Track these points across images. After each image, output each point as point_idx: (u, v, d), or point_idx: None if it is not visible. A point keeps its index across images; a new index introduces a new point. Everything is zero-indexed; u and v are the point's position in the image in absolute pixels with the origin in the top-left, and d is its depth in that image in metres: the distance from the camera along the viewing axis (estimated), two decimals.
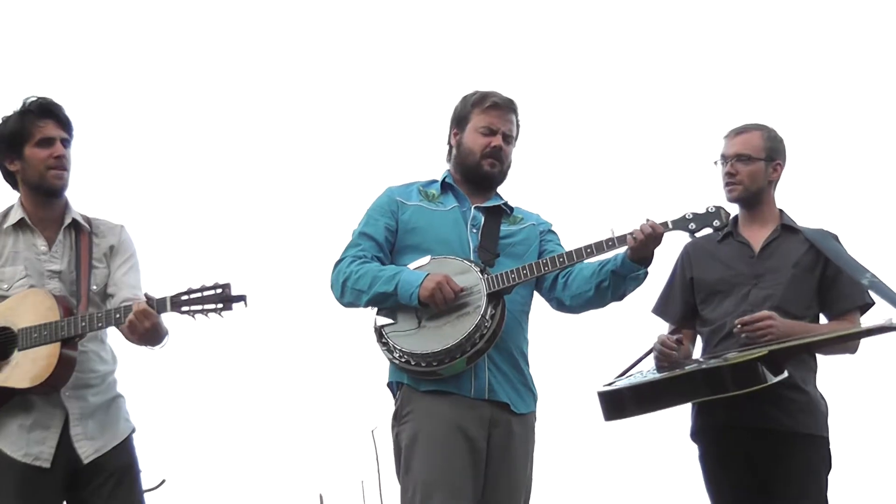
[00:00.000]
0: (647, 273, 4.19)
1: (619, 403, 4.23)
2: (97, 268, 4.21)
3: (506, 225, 4.41)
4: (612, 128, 7.29)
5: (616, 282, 4.19)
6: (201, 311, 3.94)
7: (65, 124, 4.19)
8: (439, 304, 4.09)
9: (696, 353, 4.49)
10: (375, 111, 7.23)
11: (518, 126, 4.45)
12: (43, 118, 4.14)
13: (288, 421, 6.87)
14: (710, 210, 4.12)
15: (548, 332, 4.54)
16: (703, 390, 4.09)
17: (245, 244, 6.63)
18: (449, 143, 4.51)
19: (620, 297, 4.26)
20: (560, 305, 4.37)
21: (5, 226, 4.19)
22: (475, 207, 4.39)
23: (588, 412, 4.39)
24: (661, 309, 4.60)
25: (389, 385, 4.34)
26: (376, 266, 4.25)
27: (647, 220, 4.10)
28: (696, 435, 4.42)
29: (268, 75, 7.31)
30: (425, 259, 4.23)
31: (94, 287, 4.17)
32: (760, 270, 4.39)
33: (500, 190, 4.51)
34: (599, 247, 4.14)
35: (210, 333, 4.16)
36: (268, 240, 6.65)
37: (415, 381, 4.20)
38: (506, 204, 4.46)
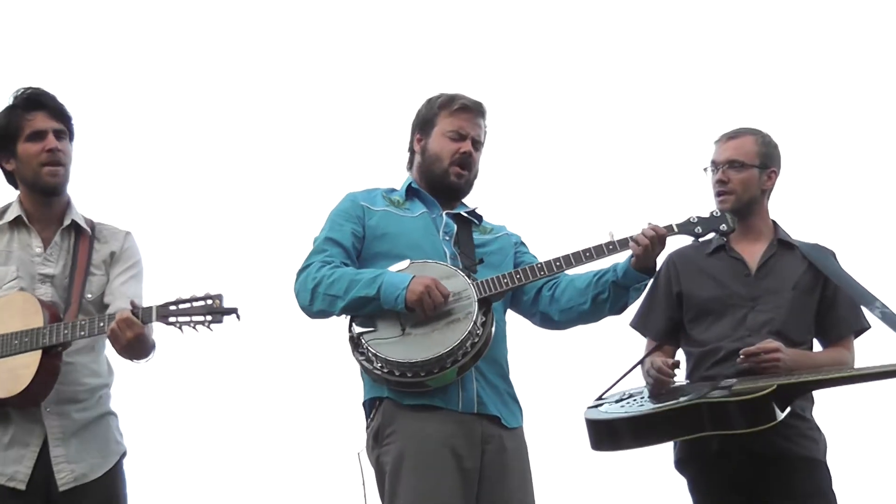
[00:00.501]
0: (646, 284, 4.03)
1: (611, 434, 4.04)
2: (94, 275, 4.00)
3: (477, 234, 4.20)
4: (593, 128, 7.11)
5: (617, 293, 4.00)
6: (189, 323, 3.77)
7: (58, 114, 3.98)
8: (428, 309, 3.83)
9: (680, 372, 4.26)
10: (362, 113, 7.06)
11: (486, 131, 4.23)
12: (31, 110, 3.95)
13: (267, 442, 6.68)
14: (715, 214, 4.02)
15: (520, 343, 4.31)
16: (707, 425, 3.89)
17: (246, 255, 6.53)
18: (411, 149, 4.27)
19: (620, 311, 4.08)
20: (545, 321, 4.16)
21: (1, 223, 4.00)
22: (447, 213, 4.17)
23: (569, 431, 4.26)
24: (640, 323, 4.38)
25: (365, 404, 4.04)
26: (351, 269, 3.99)
27: (650, 224, 3.93)
28: (684, 464, 4.21)
29: (265, 84, 7.22)
30: (404, 263, 3.96)
31: (89, 295, 3.96)
32: (758, 291, 4.20)
33: (465, 199, 4.30)
34: (599, 250, 3.95)
35: (197, 347, 3.98)
36: (268, 250, 6.48)
37: (397, 394, 3.90)
38: (474, 212, 4.25)
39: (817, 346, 4.25)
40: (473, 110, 4.17)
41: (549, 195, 6.72)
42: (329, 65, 7.06)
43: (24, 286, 3.92)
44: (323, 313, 3.98)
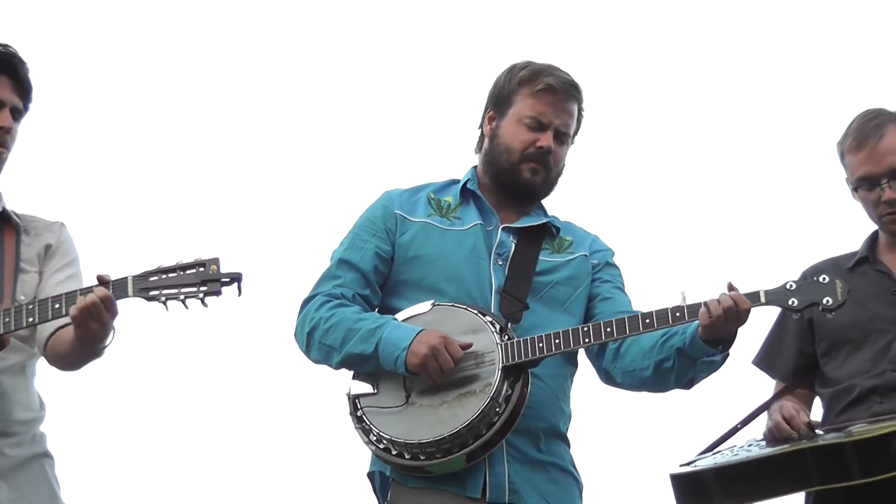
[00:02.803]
0: (726, 357, 3.43)
1: (699, 491, 3.57)
2: (27, 272, 3.47)
3: (547, 253, 3.59)
4: (699, 134, 6.35)
5: (683, 364, 3.42)
6: (177, 297, 3.15)
7: (23, 90, 3.48)
8: (434, 375, 3.30)
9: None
10: (379, 98, 6.60)
11: (580, 120, 3.63)
12: None
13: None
14: (821, 281, 3.37)
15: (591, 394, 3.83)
16: (814, 476, 3.42)
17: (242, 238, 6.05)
18: (481, 128, 3.67)
19: (688, 385, 3.50)
20: (609, 380, 3.59)
21: None
22: (504, 228, 3.56)
23: None
24: (765, 360, 3.86)
25: (370, 476, 3.54)
26: (353, 313, 3.44)
27: (730, 289, 3.33)
28: None
29: (265, 66, 6.73)
30: (425, 306, 3.43)
31: (23, 297, 3.40)
32: None
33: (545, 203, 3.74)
34: (662, 318, 3.35)
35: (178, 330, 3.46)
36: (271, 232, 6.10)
37: (400, 476, 3.40)
38: (552, 222, 3.64)
39: None
40: (561, 92, 3.54)
41: (645, 198, 6.14)
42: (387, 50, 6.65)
43: None
44: (320, 363, 3.51)
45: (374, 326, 3.37)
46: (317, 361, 3.50)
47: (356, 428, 3.39)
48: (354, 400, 3.40)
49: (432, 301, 3.43)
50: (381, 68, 6.62)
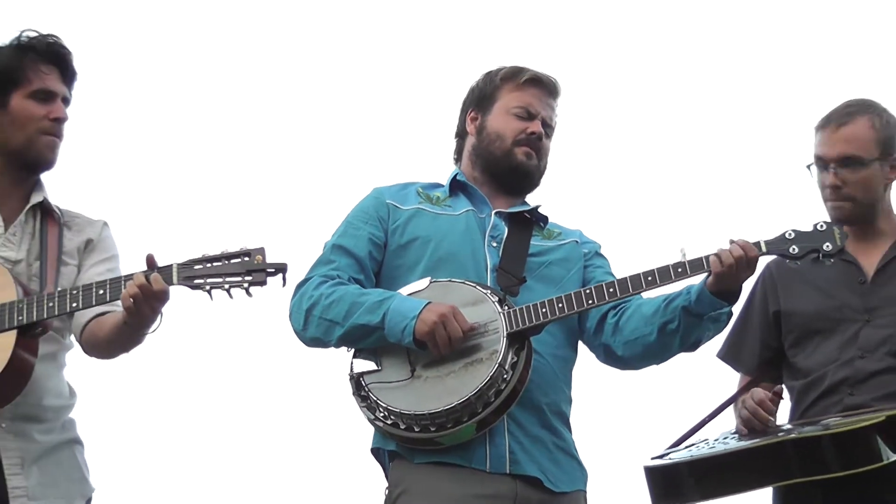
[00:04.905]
0: (731, 314, 3.39)
1: (672, 483, 3.48)
2: (66, 264, 3.40)
3: (538, 239, 3.55)
4: (677, 117, 6.32)
5: (689, 324, 3.33)
6: (221, 286, 3.10)
7: (71, 81, 3.44)
8: (442, 345, 3.22)
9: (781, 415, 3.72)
10: (367, 104, 6.56)
11: (558, 116, 3.64)
12: (48, 62, 3.38)
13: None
14: (819, 227, 3.35)
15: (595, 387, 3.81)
16: (792, 469, 3.33)
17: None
18: (460, 133, 3.67)
19: (693, 347, 3.42)
20: (609, 356, 3.50)
21: None
22: (497, 213, 3.54)
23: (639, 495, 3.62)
24: (730, 353, 3.81)
25: (375, 452, 3.46)
26: (356, 288, 3.38)
27: (738, 240, 3.28)
28: None
29: (270, 66, 6.68)
30: (423, 283, 3.36)
31: (60, 290, 3.29)
32: (875, 302, 3.59)
33: (528, 197, 3.69)
34: (664, 274, 3.29)
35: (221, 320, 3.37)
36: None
37: (407, 451, 3.32)
38: (537, 211, 3.60)
39: None
40: (545, 86, 3.57)
41: (622, 194, 6.11)
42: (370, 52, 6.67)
43: None
44: (317, 342, 3.40)
45: (380, 299, 3.30)
46: (312, 340, 3.40)
47: (361, 407, 3.32)
48: (358, 378, 3.32)
49: (429, 278, 3.37)
50: (392, 74, 6.55)
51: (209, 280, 3.12)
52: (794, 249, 3.33)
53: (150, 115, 6.33)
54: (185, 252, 3.19)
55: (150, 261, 3.15)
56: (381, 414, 3.27)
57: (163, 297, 3.11)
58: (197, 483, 5.80)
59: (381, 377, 3.29)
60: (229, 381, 5.92)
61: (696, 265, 3.26)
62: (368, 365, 3.32)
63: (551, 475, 3.35)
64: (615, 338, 3.44)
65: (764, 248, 3.30)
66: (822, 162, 3.62)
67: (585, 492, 3.45)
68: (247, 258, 3.12)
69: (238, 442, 5.95)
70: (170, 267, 3.14)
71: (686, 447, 3.61)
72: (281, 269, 3.13)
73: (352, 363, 3.36)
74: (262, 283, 3.12)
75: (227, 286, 3.12)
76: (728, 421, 3.69)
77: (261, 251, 3.12)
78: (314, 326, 3.35)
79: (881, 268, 3.61)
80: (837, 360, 3.53)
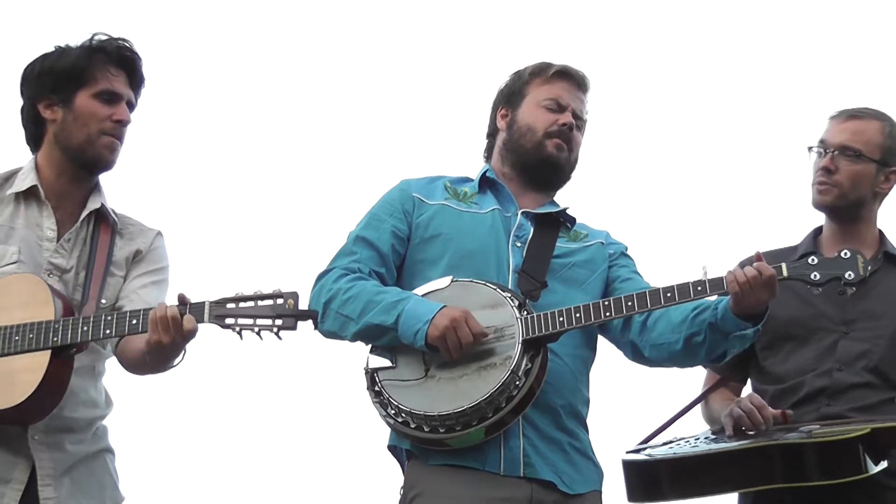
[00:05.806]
0: (757, 332, 3.32)
1: (650, 481, 3.48)
2: (114, 275, 3.38)
3: (564, 240, 3.52)
4: (709, 124, 6.28)
5: (714, 339, 3.31)
6: (252, 328, 3.11)
7: (137, 86, 3.43)
8: (453, 350, 3.20)
9: None
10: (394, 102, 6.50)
11: (587, 111, 3.61)
12: (116, 65, 3.37)
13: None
14: (843, 256, 3.28)
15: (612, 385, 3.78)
16: (776, 474, 3.35)
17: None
18: (491, 128, 3.64)
19: (719, 360, 3.40)
20: (637, 355, 3.47)
21: (8, 192, 3.39)
22: (523, 213, 3.50)
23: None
24: None
25: (392, 449, 3.45)
26: (373, 285, 3.36)
27: (756, 259, 3.25)
28: None
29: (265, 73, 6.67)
30: (444, 281, 3.34)
31: (104, 301, 3.33)
32: (854, 314, 3.60)
33: (558, 195, 3.65)
34: (684, 292, 3.23)
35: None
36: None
37: (421, 451, 3.31)
38: (565, 213, 3.57)
39: None
40: (574, 79, 3.55)
41: (655, 196, 6.11)
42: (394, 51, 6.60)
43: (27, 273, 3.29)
44: (333, 335, 3.38)
45: (396, 299, 3.27)
46: (329, 333, 3.36)
47: (374, 402, 3.30)
48: (373, 374, 3.29)
49: (451, 276, 3.33)
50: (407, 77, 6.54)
51: (240, 321, 3.11)
52: (815, 276, 3.25)
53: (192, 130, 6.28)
54: (210, 266, 3.22)
55: (182, 299, 3.13)
56: (393, 411, 3.26)
57: (188, 336, 3.11)
58: (223, 488, 5.83)
59: (396, 374, 3.27)
60: (257, 390, 5.92)
61: (715, 285, 3.22)
62: (384, 361, 3.31)
63: (566, 477, 3.33)
64: (642, 337, 3.41)
65: (785, 273, 3.24)
66: (823, 145, 3.66)
67: (601, 492, 3.43)
68: (279, 300, 3.11)
69: (264, 451, 5.98)
70: (202, 304, 3.13)
71: (665, 444, 3.62)
72: (312, 315, 3.15)
73: (368, 358, 3.35)
74: (293, 328, 3.12)
75: (257, 329, 3.11)
76: (697, 419, 3.75)
77: (293, 296, 3.13)
78: (331, 320, 3.33)
79: (861, 280, 3.58)
80: (815, 370, 3.55)
